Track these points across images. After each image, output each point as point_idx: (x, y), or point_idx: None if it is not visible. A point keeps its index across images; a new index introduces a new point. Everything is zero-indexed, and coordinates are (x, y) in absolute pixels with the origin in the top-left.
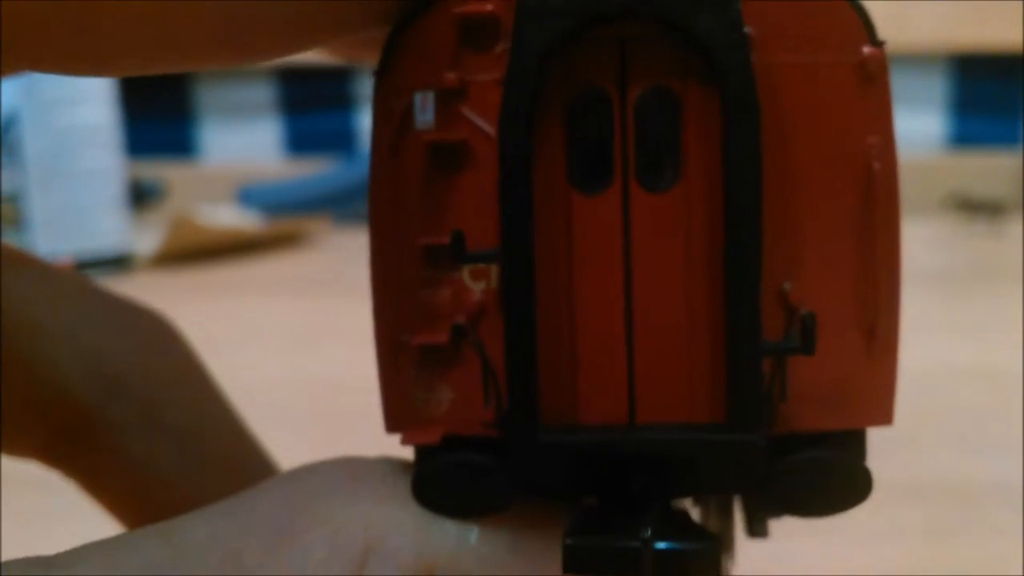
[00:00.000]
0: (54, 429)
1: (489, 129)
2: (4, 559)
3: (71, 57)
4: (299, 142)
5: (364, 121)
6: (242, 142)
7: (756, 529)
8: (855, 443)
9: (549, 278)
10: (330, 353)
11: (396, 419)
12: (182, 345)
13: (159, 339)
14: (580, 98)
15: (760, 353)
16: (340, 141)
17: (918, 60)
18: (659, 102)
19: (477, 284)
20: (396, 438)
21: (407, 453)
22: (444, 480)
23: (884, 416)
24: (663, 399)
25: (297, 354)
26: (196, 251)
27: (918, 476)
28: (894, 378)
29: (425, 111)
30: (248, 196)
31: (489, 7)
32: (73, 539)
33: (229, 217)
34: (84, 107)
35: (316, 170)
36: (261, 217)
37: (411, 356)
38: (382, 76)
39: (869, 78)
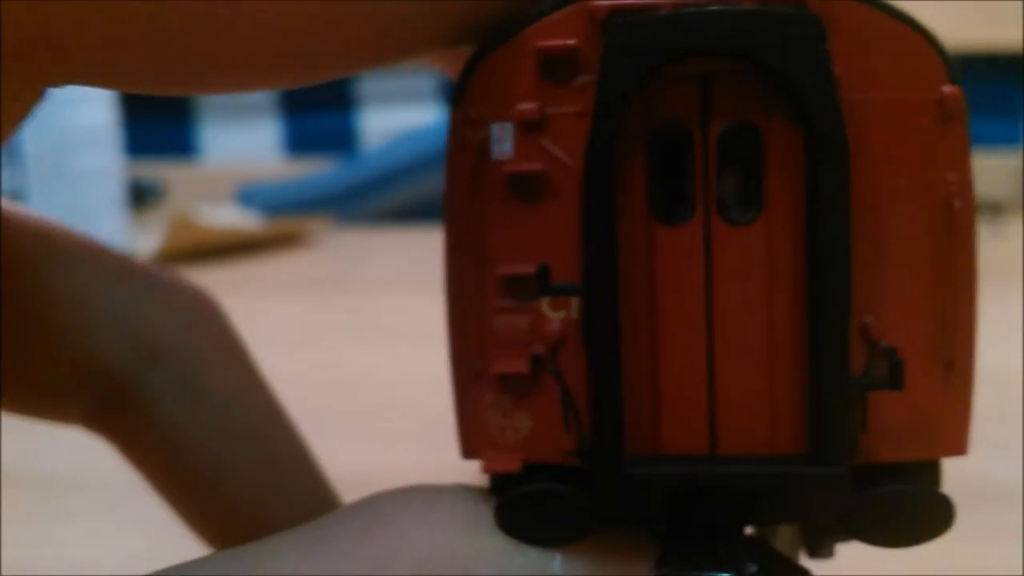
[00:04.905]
0: (97, 397)
1: (569, 160)
2: (4, 559)
3: (159, 72)
4: (299, 142)
5: (364, 121)
6: (242, 142)
7: (822, 551)
8: (931, 473)
9: (631, 309)
10: (330, 353)
11: (472, 445)
12: (222, 319)
13: (199, 312)
14: (662, 131)
15: (848, 387)
16: (340, 141)
17: None
18: (741, 137)
19: (556, 314)
20: (407, 443)
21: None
22: (527, 508)
23: (959, 447)
24: (744, 430)
25: (297, 354)
26: (196, 251)
27: None
28: (970, 410)
29: (503, 142)
30: (248, 196)
31: (572, 41)
32: (73, 539)
33: (229, 217)
34: (84, 107)
35: (316, 170)
36: (261, 217)
37: (489, 384)
38: (458, 105)
39: (948, 116)
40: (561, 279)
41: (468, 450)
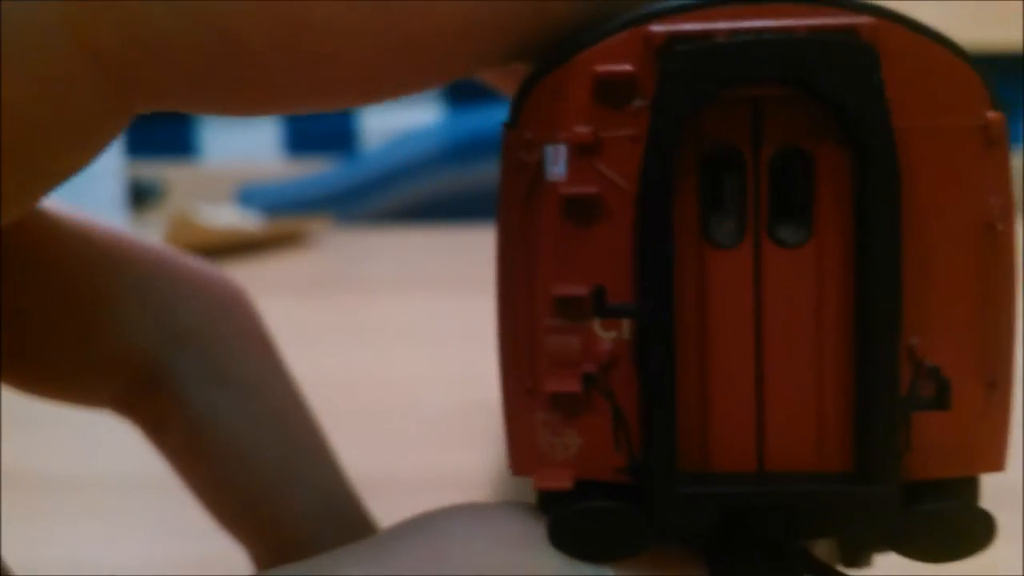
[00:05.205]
0: (127, 380)
1: (623, 183)
2: (4, 559)
3: (244, 93)
4: (299, 142)
5: (364, 121)
6: (242, 142)
7: (860, 561)
8: (970, 488)
9: (681, 329)
10: (330, 352)
11: (523, 462)
12: (249, 308)
13: (227, 299)
14: (714, 154)
15: (896, 408)
16: (340, 141)
17: None
18: (792, 161)
19: (608, 333)
20: (407, 443)
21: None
22: (580, 524)
23: (997, 463)
24: (792, 448)
25: (297, 353)
26: (196, 251)
27: None
28: (1008, 426)
29: (557, 164)
30: (248, 196)
31: (628, 68)
32: (73, 539)
33: (229, 217)
34: None
35: (316, 170)
36: (261, 217)
37: (540, 402)
38: (513, 127)
39: (992, 141)
40: (613, 300)
41: (518, 467)
